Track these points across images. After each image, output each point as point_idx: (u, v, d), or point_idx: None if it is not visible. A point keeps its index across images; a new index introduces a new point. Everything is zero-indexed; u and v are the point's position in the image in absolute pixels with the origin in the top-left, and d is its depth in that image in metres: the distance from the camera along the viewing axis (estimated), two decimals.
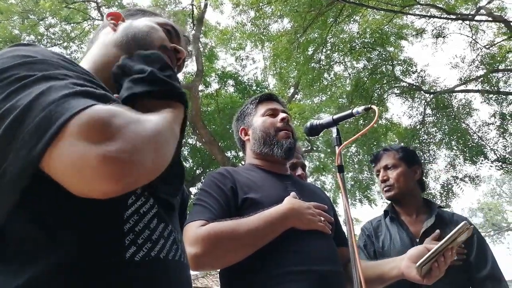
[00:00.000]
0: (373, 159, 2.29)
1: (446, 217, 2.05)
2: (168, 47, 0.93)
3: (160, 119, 0.67)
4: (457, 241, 1.32)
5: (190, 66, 11.63)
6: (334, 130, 1.45)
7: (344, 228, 1.38)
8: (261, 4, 9.87)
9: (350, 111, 1.44)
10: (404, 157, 2.17)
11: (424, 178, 2.27)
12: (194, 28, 11.37)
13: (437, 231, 1.90)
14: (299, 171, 2.19)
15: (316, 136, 1.69)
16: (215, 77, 12.54)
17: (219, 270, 1.42)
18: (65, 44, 11.66)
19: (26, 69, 0.62)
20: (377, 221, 2.20)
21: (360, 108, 1.42)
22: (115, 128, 0.56)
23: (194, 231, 1.23)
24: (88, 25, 11.25)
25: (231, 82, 12.63)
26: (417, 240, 1.97)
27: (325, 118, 1.51)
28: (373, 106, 1.40)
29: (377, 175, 2.23)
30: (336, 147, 1.40)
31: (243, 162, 1.64)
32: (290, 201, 1.35)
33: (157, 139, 0.63)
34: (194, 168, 12.54)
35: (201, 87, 11.64)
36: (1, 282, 0.59)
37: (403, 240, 2.01)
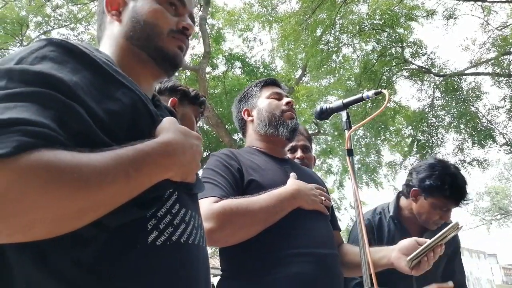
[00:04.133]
0: None
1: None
2: (176, 29, 0.91)
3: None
4: (447, 238, 1.41)
5: (197, 48, 11.58)
6: (344, 114, 1.46)
7: (352, 211, 1.41)
8: None
9: (360, 95, 1.45)
10: None
11: None
12: (201, 9, 11.25)
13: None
14: (299, 153, 2.23)
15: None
16: (222, 59, 12.46)
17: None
18: (72, 25, 11.62)
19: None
20: (378, 218, 2.14)
21: (370, 92, 1.42)
22: None
23: (209, 207, 1.25)
24: (95, 6, 11.17)
25: (238, 64, 12.55)
26: None
27: (335, 102, 1.52)
28: (384, 90, 1.40)
29: None
30: (346, 131, 1.41)
31: None
32: (295, 182, 1.41)
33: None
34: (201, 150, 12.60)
35: (208, 69, 11.58)
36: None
37: None
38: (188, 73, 11.67)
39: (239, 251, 1.32)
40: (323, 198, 1.45)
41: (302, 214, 1.37)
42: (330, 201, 1.52)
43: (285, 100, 1.63)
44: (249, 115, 1.67)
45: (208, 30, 11.56)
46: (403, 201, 2.13)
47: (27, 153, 0.52)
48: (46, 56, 0.67)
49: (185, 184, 0.80)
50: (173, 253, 0.74)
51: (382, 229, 2.10)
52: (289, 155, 2.19)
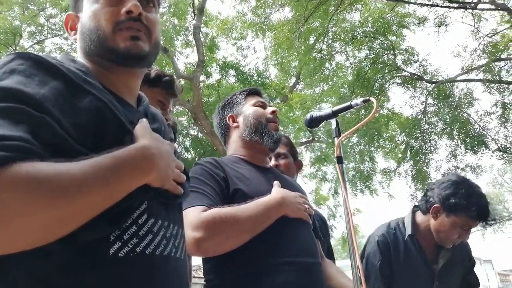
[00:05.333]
0: None
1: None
2: (121, 20, 0.85)
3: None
4: None
5: (191, 57, 11.60)
6: (333, 122, 1.47)
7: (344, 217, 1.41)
8: None
9: (349, 103, 1.47)
10: None
11: (425, 168, 2.31)
12: (195, 18, 11.32)
13: None
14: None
15: (317, 128, 1.73)
16: (216, 67, 12.49)
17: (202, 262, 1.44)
18: (65, 35, 11.61)
19: None
20: (393, 233, 2.07)
21: (358, 100, 1.45)
22: None
23: (197, 216, 1.24)
24: None
25: (232, 72, 12.57)
26: (434, 267, 2.03)
27: (325, 110, 1.53)
28: (372, 98, 1.43)
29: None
30: (336, 139, 1.42)
31: None
32: (280, 190, 1.42)
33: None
34: (196, 159, 12.57)
35: (202, 78, 11.60)
36: None
37: (421, 267, 1.99)
38: (182, 81, 11.69)
39: (224, 260, 1.31)
40: (306, 206, 1.46)
41: (286, 222, 1.37)
42: (312, 210, 1.53)
43: (270, 109, 1.64)
44: (234, 121, 1.67)
45: (202, 39, 11.60)
46: (420, 216, 2.06)
47: (6, 167, 0.54)
48: (15, 70, 0.69)
49: (159, 193, 0.79)
50: (137, 265, 0.72)
51: (398, 246, 2.03)
52: None
